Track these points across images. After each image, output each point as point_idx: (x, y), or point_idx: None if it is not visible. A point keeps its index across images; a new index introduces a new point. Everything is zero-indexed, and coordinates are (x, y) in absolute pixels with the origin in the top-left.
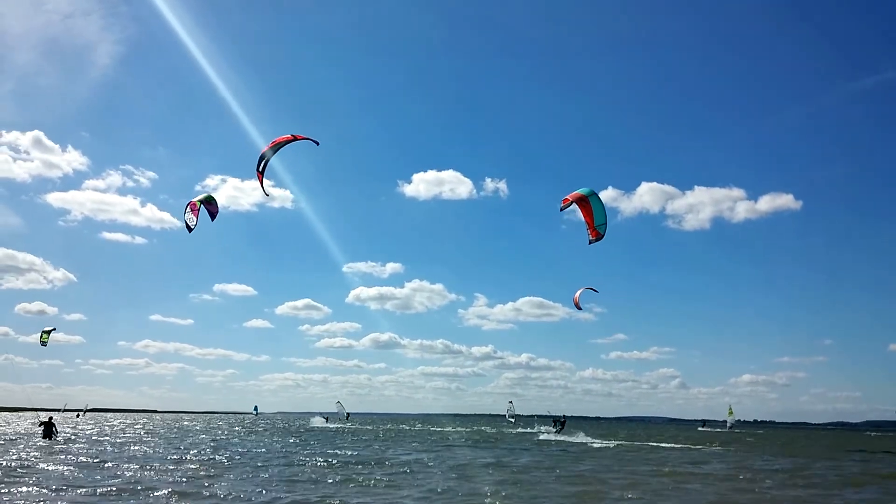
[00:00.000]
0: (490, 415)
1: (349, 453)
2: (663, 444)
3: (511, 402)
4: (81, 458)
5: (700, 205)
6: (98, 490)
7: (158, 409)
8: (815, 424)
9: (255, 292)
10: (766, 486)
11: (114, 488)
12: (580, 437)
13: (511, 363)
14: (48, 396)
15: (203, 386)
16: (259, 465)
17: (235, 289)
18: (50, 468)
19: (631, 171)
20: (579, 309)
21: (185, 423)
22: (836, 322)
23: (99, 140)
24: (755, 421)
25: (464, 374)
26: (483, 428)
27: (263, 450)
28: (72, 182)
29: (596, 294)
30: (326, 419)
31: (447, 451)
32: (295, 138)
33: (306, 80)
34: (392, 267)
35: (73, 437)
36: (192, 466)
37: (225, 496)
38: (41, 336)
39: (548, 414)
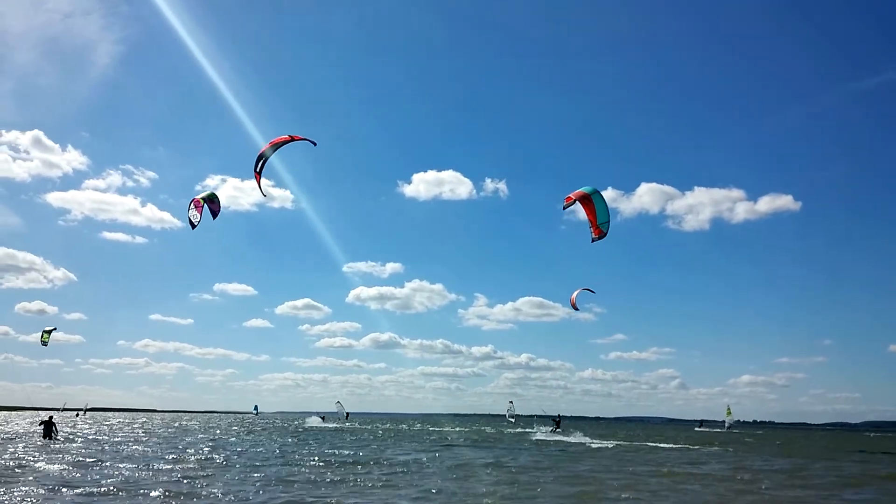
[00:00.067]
0: (490, 415)
1: (347, 453)
2: (662, 445)
3: (511, 402)
4: (78, 457)
5: (700, 205)
6: (94, 490)
7: (158, 409)
8: (814, 425)
9: (255, 292)
10: (765, 487)
11: (110, 488)
12: (577, 437)
13: (511, 363)
14: (48, 396)
15: (203, 385)
16: (256, 465)
17: (235, 288)
18: (46, 467)
19: (631, 172)
20: (576, 309)
21: (185, 422)
22: (835, 323)
23: (99, 140)
24: (754, 421)
25: (463, 374)
26: (483, 428)
27: (261, 449)
28: (72, 182)
29: (596, 294)
30: (323, 418)
31: (446, 451)
32: (292, 139)
33: (306, 80)
34: (392, 267)
35: (71, 437)
36: (189, 466)
37: (221, 496)
38: (42, 336)
39: (542, 414)
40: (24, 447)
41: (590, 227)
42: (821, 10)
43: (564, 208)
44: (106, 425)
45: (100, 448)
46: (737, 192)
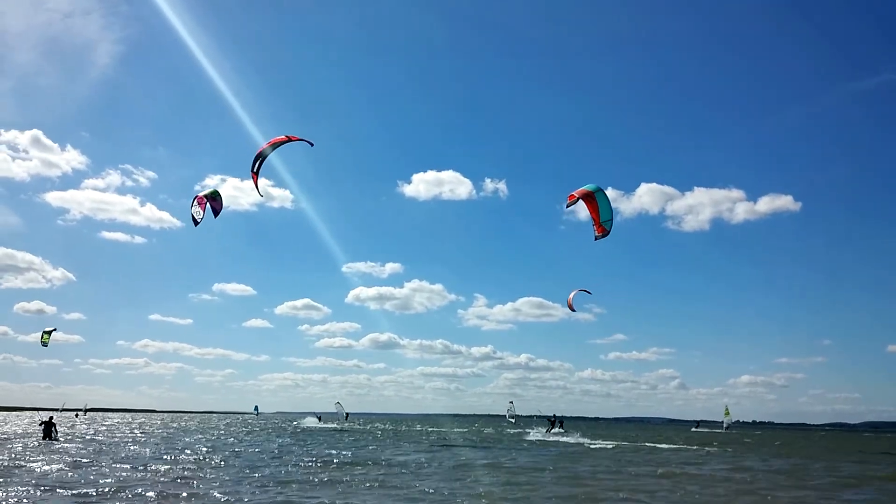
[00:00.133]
0: (489, 415)
1: (345, 453)
2: (661, 445)
3: (511, 403)
4: (76, 457)
5: (699, 206)
6: (90, 491)
7: (157, 409)
8: (813, 425)
9: (254, 292)
10: (764, 487)
11: (106, 489)
12: (576, 438)
13: (510, 363)
14: (47, 396)
15: (202, 386)
16: (253, 465)
17: (235, 288)
18: (44, 468)
19: (630, 172)
20: (573, 310)
21: (183, 422)
22: (835, 323)
23: (98, 139)
24: (754, 422)
25: (463, 374)
26: (482, 428)
27: (258, 450)
28: (71, 181)
29: (596, 295)
30: (319, 419)
31: (444, 451)
32: (289, 139)
33: (306, 80)
34: (391, 267)
35: (69, 437)
36: (186, 467)
37: (217, 497)
38: (42, 336)
39: (539, 414)
40: (22, 447)
41: (592, 224)
42: (821, 10)
43: (568, 206)
44: (104, 425)
45: (97, 448)
46: (737, 193)
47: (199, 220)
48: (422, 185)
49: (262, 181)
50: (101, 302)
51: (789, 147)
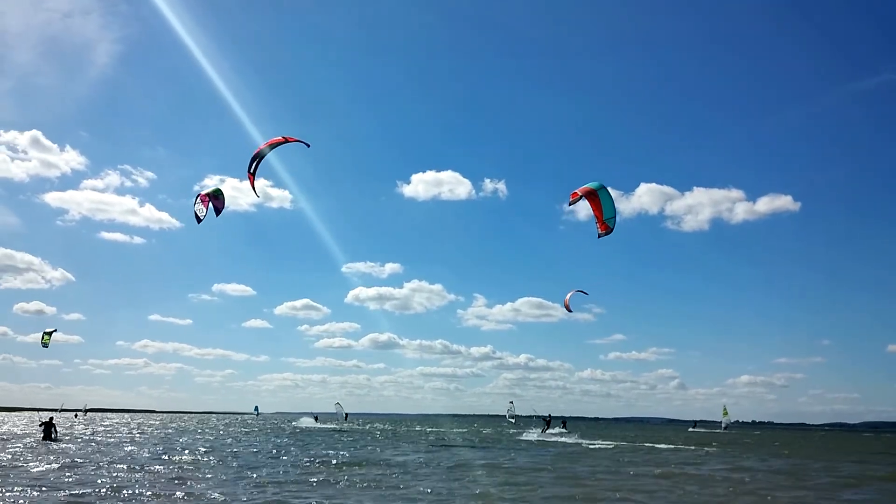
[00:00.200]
0: (489, 415)
1: (343, 454)
2: (660, 445)
3: (511, 403)
4: (73, 458)
5: (699, 206)
6: (87, 491)
7: (157, 409)
8: (813, 425)
9: (253, 292)
10: (763, 487)
11: (103, 489)
12: (575, 438)
13: (510, 363)
14: (47, 396)
15: (202, 386)
16: (251, 465)
17: (234, 289)
18: (40, 468)
19: (630, 172)
20: (569, 311)
21: (182, 423)
22: (834, 323)
23: (97, 139)
24: (753, 422)
25: (463, 374)
26: (482, 428)
27: (256, 450)
28: (70, 182)
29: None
30: (316, 419)
31: (443, 451)
32: (286, 140)
33: (306, 80)
34: (391, 267)
35: (67, 437)
36: (183, 467)
37: (214, 497)
38: (42, 337)
39: (534, 414)
40: (22, 448)
41: (595, 222)
42: (821, 10)
43: (570, 204)
44: (103, 426)
45: (95, 449)
46: (736, 193)
47: (201, 218)
48: (421, 185)
49: (260, 181)
50: (100, 302)
51: (789, 147)
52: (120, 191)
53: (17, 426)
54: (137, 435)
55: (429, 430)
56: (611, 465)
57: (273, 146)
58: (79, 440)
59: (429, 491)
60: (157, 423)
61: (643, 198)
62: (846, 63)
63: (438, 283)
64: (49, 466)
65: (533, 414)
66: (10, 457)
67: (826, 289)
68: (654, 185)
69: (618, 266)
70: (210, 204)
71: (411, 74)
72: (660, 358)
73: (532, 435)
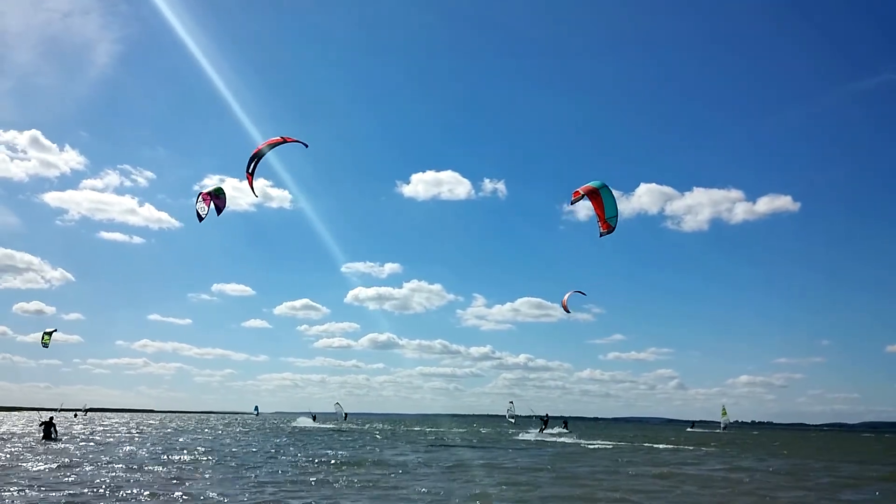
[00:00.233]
0: (488, 415)
1: (342, 454)
2: (660, 446)
3: (511, 403)
4: (72, 458)
5: (699, 206)
6: (85, 491)
7: (156, 409)
8: (812, 426)
9: (253, 292)
10: (762, 488)
11: (101, 489)
12: (574, 438)
13: (509, 363)
14: (46, 396)
15: (201, 386)
16: (249, 465)
17: (234, 289)
18: (38, 468)
19: (630, 172)
20: (567, 311)
21: (181, 423)
22: (834, 323)
23: (97, 139)
24: (752, 422)
25: (462, 374)
26: (481, 428)
27: (254, 450)
28: (69, 181)
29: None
30: (314, 418)
31: (442, 451)
32: (285, 140)
33: (306, 80)
34: (390, 267)
35: (66, 437)
36: (181, 466)
37: (212, 496)
38: (42, 337)
39: (531, 414)
40: (21, 447)
41: (597, 221)
42: (821, 10)
43: (572, 202)
44: (102, 426)
45: (94, 449)
46: (736, 193)
47: (203, 216)
48: (421, 185)
49: (260, 181)
50: (100, 302)
51: (789, 147)
52: (119, 191)
53: (17, 426)
54: (136, 435)
55: (428, 430)
56: (610, 465)
57: (272, 146)
58: (78, 440)
59: (427, 491)
60: (157, 422)
61: (643, 198)
62: (846, 63)
63: (438, 283)
64: (48, 466)
65: (531, 414)
66: (9, 456)
67: (826, 289)
68: (653, 185)
69: (617, 266)
70: (212, 203)
71: (411, 74)
72: (659, 358)
73: (530, 435)
